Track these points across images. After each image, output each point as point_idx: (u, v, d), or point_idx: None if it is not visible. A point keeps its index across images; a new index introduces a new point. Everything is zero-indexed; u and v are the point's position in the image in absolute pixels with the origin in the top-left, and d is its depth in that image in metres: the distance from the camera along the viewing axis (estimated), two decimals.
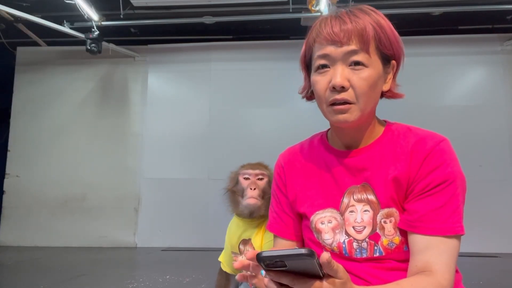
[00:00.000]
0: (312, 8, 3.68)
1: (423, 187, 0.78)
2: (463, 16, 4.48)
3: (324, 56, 0.80)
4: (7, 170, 5.14)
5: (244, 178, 1.27)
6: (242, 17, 4.48)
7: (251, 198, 1.21)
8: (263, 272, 0.58)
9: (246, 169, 1.29)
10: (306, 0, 3.71)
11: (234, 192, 1.27)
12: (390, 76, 0.85)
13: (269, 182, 1.25)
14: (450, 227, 0.75)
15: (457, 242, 0.76)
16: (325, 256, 0.53)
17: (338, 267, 0.56)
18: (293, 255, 0.51)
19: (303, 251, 0.51)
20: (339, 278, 0.56)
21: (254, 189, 1.21)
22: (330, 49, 0.78)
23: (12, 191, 5.09)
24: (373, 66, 0.79)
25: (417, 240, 0.76)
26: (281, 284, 0.56)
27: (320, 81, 0.81)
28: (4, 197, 5.09)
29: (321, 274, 0.55)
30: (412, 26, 4.79)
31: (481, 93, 4.76)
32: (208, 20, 4.58)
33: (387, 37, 0.81)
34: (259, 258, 0.53)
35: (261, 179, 1.26)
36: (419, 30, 4.88)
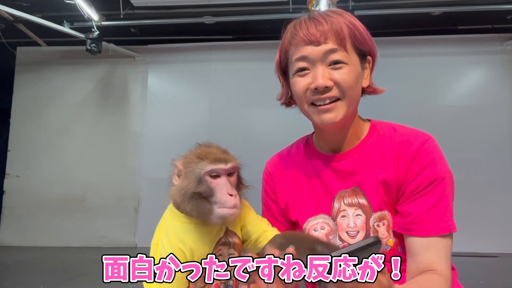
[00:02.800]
0: (312, 8, 3.67)
1: (414, 188, 0.78)
2: (463, 16, 4.48)
3: (303, 58, 0.79)
4: (7, 170, 5.13)
5: (212, 176, 0.89)
6: (242, 17, 4.48)
7: (234, 208, 0.86)
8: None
9: (212, 162, 0.89)
10: (306, 0, 3.71)
11: (200, 196, 0.88)
12: (368, 71, 0.86)
13: (238, 175, 0.94)
14: (445, 226, 0.76)
15: (451, 240, 0.77)
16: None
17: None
18: (366, 246, 0.54)
19: (372, 239, 0.54)
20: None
21: (236, 195, 0.87)
22: (308, 50, 0.78)
23: (12, 191, 5.09)
24: (352, 63, 0.79)
25: (415, 242, 0.77)
26: None
27: (300, 81, 0.80)
28: (4, 197, 5.09)
29: None
30: (412, 26, 4.79)
31: (481, 93, 4.76)
32: (208, 20, 4.57)
33: (361, 34, 0.81)
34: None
35: (232, 174, 0.92)
36: (419, 30, 4.87)
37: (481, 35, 4.83)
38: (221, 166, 0.89)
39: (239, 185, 0.94)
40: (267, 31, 4.98)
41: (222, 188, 0.88)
